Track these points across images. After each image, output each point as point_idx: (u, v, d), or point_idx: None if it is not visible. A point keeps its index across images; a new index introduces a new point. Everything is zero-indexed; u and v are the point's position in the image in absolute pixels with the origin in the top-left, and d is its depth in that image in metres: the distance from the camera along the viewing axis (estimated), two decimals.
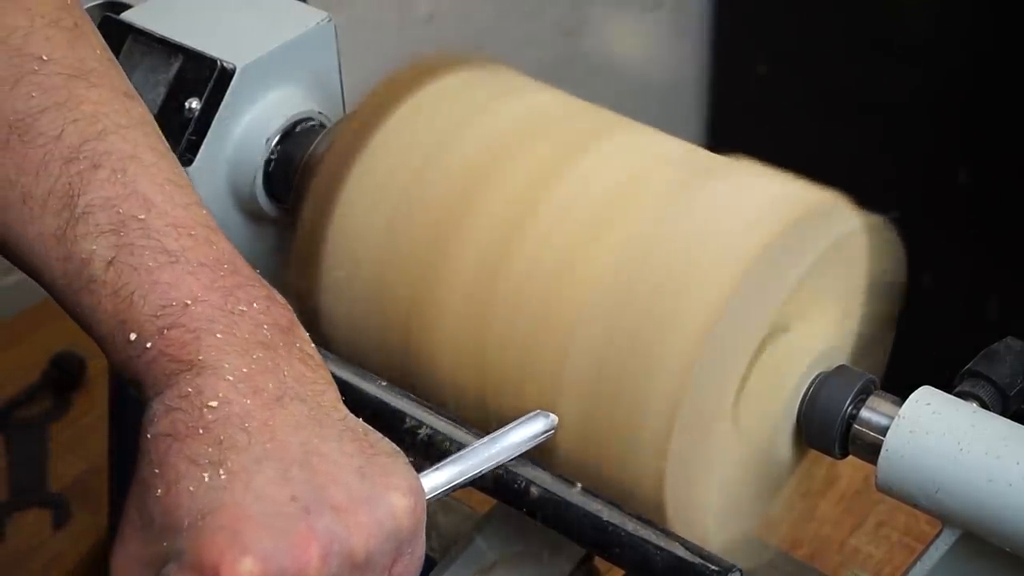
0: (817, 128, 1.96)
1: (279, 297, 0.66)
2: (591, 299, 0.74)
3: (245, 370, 0.61)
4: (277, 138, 0.88)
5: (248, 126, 0.88)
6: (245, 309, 0.63)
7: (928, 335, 1.22)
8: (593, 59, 1.97)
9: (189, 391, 0.61)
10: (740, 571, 0.71)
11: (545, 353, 0.75)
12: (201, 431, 0.60)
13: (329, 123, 0.89)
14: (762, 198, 0.77)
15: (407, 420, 0.75)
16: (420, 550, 0.63)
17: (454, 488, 0.68)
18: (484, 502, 0.84)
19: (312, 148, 0.87)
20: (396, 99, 0.83)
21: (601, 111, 0.84)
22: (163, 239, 0.64)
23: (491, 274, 0.77)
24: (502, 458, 0.71)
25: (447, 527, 0.93)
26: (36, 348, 1.30)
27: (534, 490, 0.73)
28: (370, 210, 0.81)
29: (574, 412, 0.75)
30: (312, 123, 0.89)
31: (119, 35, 0.89)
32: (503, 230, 0.78)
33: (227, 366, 0.61)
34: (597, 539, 0.72)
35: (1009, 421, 0.71)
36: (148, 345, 0.62)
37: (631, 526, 0.72)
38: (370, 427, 0.64)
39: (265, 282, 0.66)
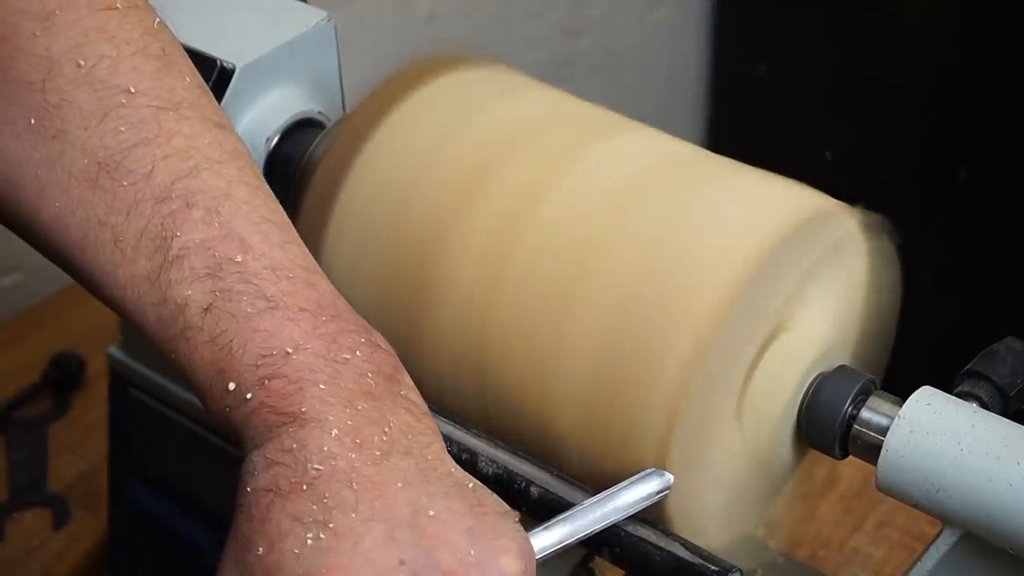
0: (817, 128, 1.96)
1: (382, 341, 0.64)
2: (591, 300, 0.74)
3: (350, 423, 0.59)
4: (277, 138, 0.88)
5: (248, 126, 0.88)
6: (348, 357, 0.61)
7: (928, 335, 1.22)
8: (593, 59, 1.97)
9: (293, 445, 0.59)
10: (740, 571, 0.71)
11: (546, 353, 0.75)
12: (305, 487, 0.58)
13: (329, 123, 0.89)
14: (763, 200, 0.77)
15: None
16: None
17: (564, 548, 0.66)
18: None
19: (312, 148, 0.87)
20: (396, 98, 0.83)
21: (601, 111, 0.84)
22: (261, 283, 0.61)
23: (491, 274, 0.77)
24: (614, 518, 0.69)
25: None
26: (36, 348, 1.30)
27: (534, 490, 0.73)
28: (370, 209, 0.81)
29: (575, 412, 0.75)
30: (312, 123, 0.89)
31: None
32: (503, 230, 0.77)
33: (331, 419, 0.59)
34: (597, 539, 0.72)
35: (1009, 421, 0.71)
36: (248, 396, 0.60)
37: (631, 526, 0.72)
38: (478, 481, 0.61)
39: (368, 325, 0.64)
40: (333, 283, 0.82)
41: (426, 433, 0.62)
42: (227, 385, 0.61)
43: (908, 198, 1.70)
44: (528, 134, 0.81)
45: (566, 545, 0.66)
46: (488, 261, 0.77)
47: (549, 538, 0.65)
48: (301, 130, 0.89)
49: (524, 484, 0.73)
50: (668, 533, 0.72)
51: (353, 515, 0.57)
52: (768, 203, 0.76)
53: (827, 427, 0.76)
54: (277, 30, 0.89)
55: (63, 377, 1.28)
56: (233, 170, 0.65)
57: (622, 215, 0.76)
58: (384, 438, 0.59)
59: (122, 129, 0.64)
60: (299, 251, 0.64)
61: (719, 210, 0.76)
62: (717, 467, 0.76)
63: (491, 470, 0.73)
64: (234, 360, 0.60)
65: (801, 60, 1.99)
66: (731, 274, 0.72)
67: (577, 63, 1.94)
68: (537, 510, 0.74)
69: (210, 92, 0.69)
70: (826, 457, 0.78)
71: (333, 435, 0.59)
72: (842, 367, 0.77)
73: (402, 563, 0.56)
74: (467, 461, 0.73)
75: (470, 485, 0.61)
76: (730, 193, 0.77)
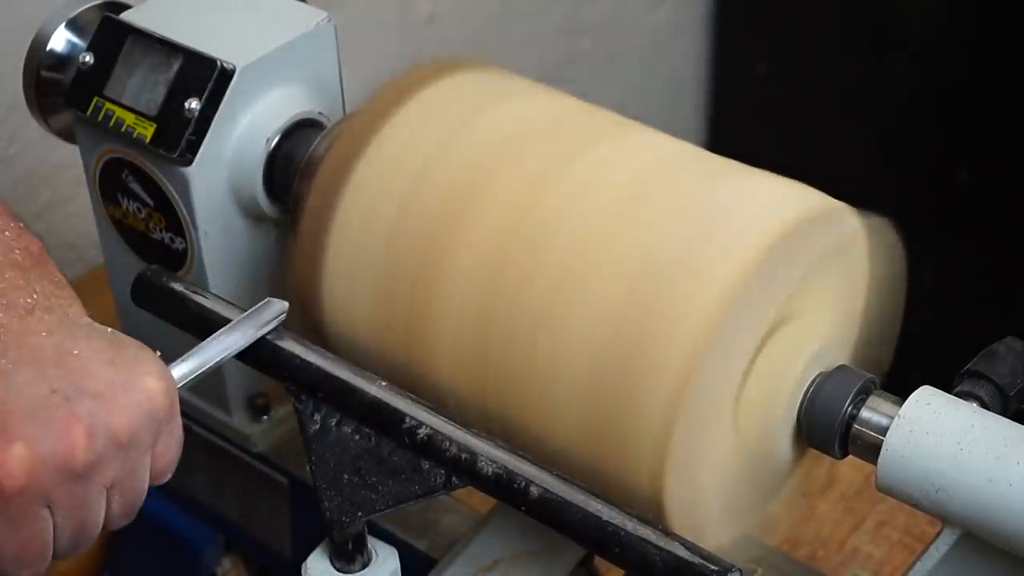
0: (817, 128, 1.96)
1: (35, 235, 0.72)
2: (593, 299, 0.74)
3: None
4: (277, 138, 0.88)
5: (248, 126, 0.88)
6: (2, 235, 0.70)
7: (928, 335, 1.22)
8: (594, 59, 1.96)
9: None
10: (740, 571, 0.71)
11: (546, 353, 0.75)
12: None
13: (329, 123, 0.89)
14: (763, 200, 0.77)
15: (407, 420, 0.75)
16: (178, 429, 0.69)
17: (200, 376, 0.74)
18: (484, 502, 0.84)
19: (312, 148, 0.87)
20: (397, 102, 0.83)
21: (600, 113, 0.84)
22: None
23: (492, 275, 0.77)
24: (238, 346, 0.76)
25: (447, 527, 0.93)
26: None
27: (534, 490, 0.73)
28: (371, 211, 0.81)
29: (575, 411, 0.75)
30: (312, 123, 0.89)
31: (119, 35, 0.89)
32: (504, 232, 0.78)
33: None
34: (597, 539, 0.72)
35: (1009, 421, 0.71)
36: None
37: (631, 526, 0.72)
38: (118, 332, 0.69)
39: (17, 218, 0.72)
40: (334, 283, 0.83)
41: (67, 298, 0.70)
42: None
43: (908, 198, 1.70)
44: (529, 137, 0.81)
45: (201, 373, 0.74)
46: (490, 262, 0.77)
47: (185, 367, 0.74)
48: (301, 130, 0.89)
49: (524, 484, 0.73)
50: (668, 533, 0.72)
51: (3, 361, 0.65)
52: (769, 202, 0.76)
53: (827, 427, 0.76)
54: (277, 30, 0.89)
55: None
56: None
57: (622, 216, 0.76)
58: (29, 300, 0.68)
59: None
60: None
61: (719, 210, 0.76)
62: (717, 467, 0.76)
63: (491, 470, 0.73)
64: None
65: (801, 60, 1.99)
66: (731, 274, 0.72)
67: (578, 63, 1.94)
68: (537, 510, 0.74)
69: None
70: (826, 457, 0.78)
71: None
72: (842, 367, 0.77)
73: (53, 392, 0.64)
74: (467, 461, 0.73)
75: (111, 332, 0.69)
76: (730, 193, 0.77)
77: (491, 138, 0.81)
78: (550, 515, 0.73)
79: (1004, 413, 0.74)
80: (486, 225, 0.78)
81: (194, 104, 0.86)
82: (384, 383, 0.77)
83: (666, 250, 0.74)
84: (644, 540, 0.71)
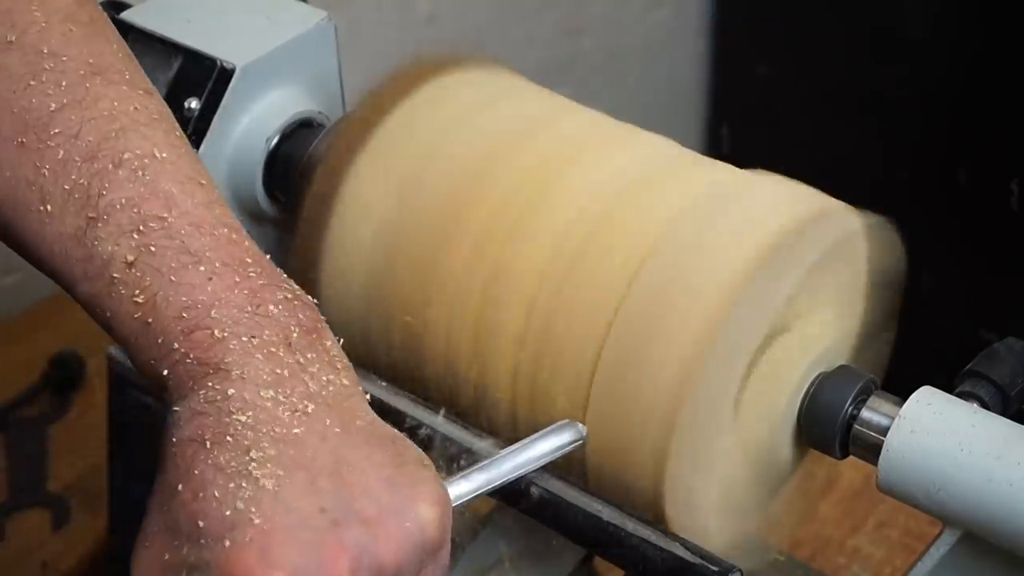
0: (817, 128, 1.96)
1: (304, 296, 0.64)
2: (591, 302, 0.74)
3: (272, 374, 0.60)
4: (277, 138, 0.88)
5: (248, 126, 0.88)
6: (271, 310, 0.62)
7: (928, 335, 1.22)
8: (594, 59, 1.97)
9: (216, 397, 0.60)
10: (740, 571, 0.71)
11: (546, 354, 0.75)
12: (228, 438, 0.59)
13: (329, 123, 0.89)
14: (764, 200, 0.77)
15: (407, 420, 0.75)
16: (445, 559, 0.62)
17: (481, 495, 0.68)
18: (485, 502, 0.84)
19: (312, 148, 0.87)
20: (395, 99, 0.83)
21: (600, 115, 0.84)
22: (186, 239, 0.63)
23: (489, 276, 0.77)
24: (528, 468, 0.71)
25: None
26: (36, 348, 1.30)
27: (534, 490, 0.73)
28: (370, 210, 0.81)
29: (574, 414, 0.75)
30: (312, 123, 0.89)
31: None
32: (501, 232, 0.77)
33: (253, 370, 0.60)
34: (597, 539, 0.72)
35: (1010, 421, 0.71)
36: (172, 348, 0.61)
37: (631, 526, 0.72)
38: (398, 432, 0.63)
39: (290, 281, 0.65)
40: (334, 283, 0.82)
41: (347, 385, 0.62)
42: (152, 338, 0.62)
43: (908, 198, 1.70)
44: (527, 136, 0.81)
45: (481, 493, 0.68)
46: (487, 264, 0.77)
47: (466, 486, 0.68)
48: (301, 130, 0.89)
49: (524, 484, 0.73)
50: (668, 533, 0.72)
51: (274, 465, 0.58)
52: (769, 203, 0.76)
53: (827, 427, 0.76)
54: (277, 30, 0.89)
55: (63, 377, 1.28)
56: (159, 133, 0.66)
57: (622, 217, 0.76)
58: (305, 390, 0.61)
59: (50, 92, 0.65)
60: (222, 211, 0.65)
61: (720, 210, 0.76)
62: (717, 467, 0.76)
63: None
64: (158, 313, 0.62)
65: (801, 60, 1.99)
66: (731, 274, 0.72)
67: (578, 63, 1.94)
68: (537, 510, 0.74)
69: (136, 60, 0.70)
70: (826, 457, 0.78)
71: (255, 386, 0.60)
72: (843, 367, 0.77)
73: (322, 511, 0.58)
74: (467, 461, 0.73)
75: (390, 436, 0.62)
76: (731, 193, 0.77)
77: (488, 138, 0.81)
78: (550, 515, 0.73)
79: (1004, 413, 0.74)
80: (484, 226, 0.78)
81: (194, 104, 0.86)
82: (384, 383, 0.77)
83: (666, 251, 0.74)
84: (644, 540, 0.71)
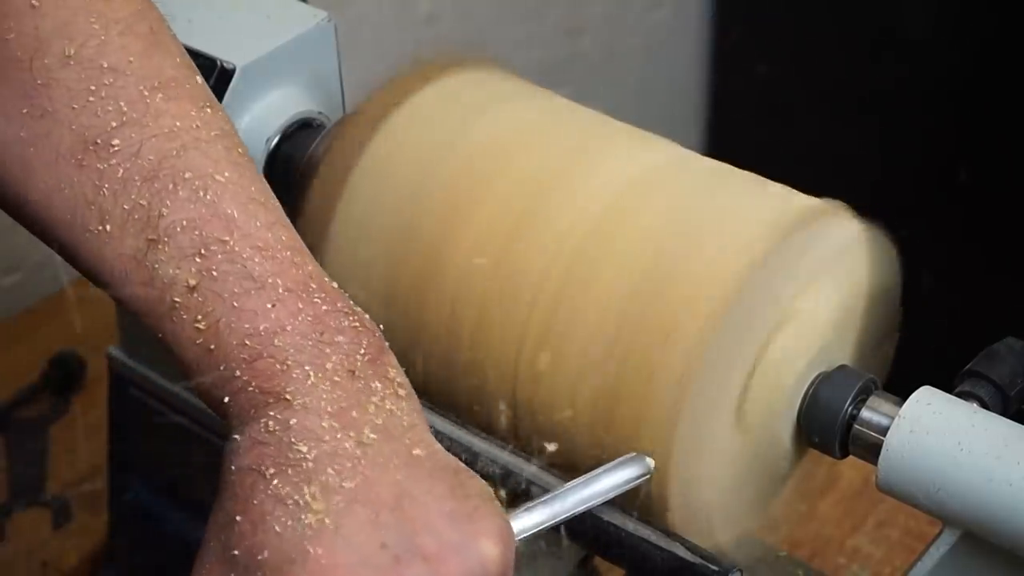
0: (817, 128, 1.96)
1: (368, 322, 0.63)
2: (593, 303, 0.74)
3: (335, 404, 0.59)
4: (277, 138, 0.88)
5: (248, 126, 0.88)
6: (334, 338, 0.61)
7: (928, 335, 1.22)
8: (593, 59, 1.97)
9: (277, 427, 0.59)
10: (740, 571, 0.71)
11: (546, 354, 0.75)
12: (289, 469, 0.58)
13: (329, 123, 0.89)
14: (764, 200, 0.77)
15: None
16: None
17: (543, 530, 0.67)
18: None
19: (312, 148, 0.87)
20: (397, 101, 0.83)
21: (600, 116, 0.84)
22: (248, 263, 0.62)
23: (492, 278, 0.77)
24: (594, 502, 0.69)
25: None
26: (36, 348, 1.30)
27: (534, 490, 0.73)
28: (373, 212, 0.81)
29: (575, 414, 0.75)
30: (312, 123, 0.89)
31: None
32: (504, 234, 0.77)
33: (316, 400, 0.59)
34: (597, 539, 0.72)
35: (1009, 421, 0.71)
36: (234, 376, 0.60)
37: (631, 526, 0.72)
38: (461, 464, 0.62)
39: (355, 306, 0.64)
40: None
41: (410, 415, 0.61)
42: (213, 364, 0.61)
43: (908, 198, 1.70)
44: (529, 138, 0.81)
45: (546, 527, 0.67)
46: (491, 265, 0.77)
47: (530, 520, 0.66)
48: (301, 130, 0.88)
49: (525, 484, 0.73)
50: (668, 533, 0.72)
51: (336, 497, 0.57)
52: (769, 203, 0.76)
53: (827, 427, 0.76)
54: (277, 30, 0.89)
55: (63, 377, 1.28)
56: (220, 150, 0.64)
57: (622, 218, 0.76)
58: (367, 419, 0.59)
59: (109, 108, 0.64)
60: (286, 232, 0.64)
61: (719, 211, 0.76)
62: (718, 466, 0.76)
63: (491, 470, 0.73)
64: (220, 340, 0.61)
65: (801, 60, 1.99)
66: (731, 274, 0.72)
67: (577, 63, 1.94)
68: None
69: (198, 71, 0.68)
70: (826, 457, 0.78)
71: (317, 416, 0.59)
72: (842, 367, 0.77)
73: (383, 546, 0.57)
74: (467, 461, 0.73)
75: (453, 468, 0.61)
76: (730, 194, 0.77)
77: (491, 140, 0.81)
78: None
79: (1004, 413, 0.74)
80: (487, 228, 0.78)
81: None
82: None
83: (666, 252, 0.74)
84: (645, 540, 0.71)
